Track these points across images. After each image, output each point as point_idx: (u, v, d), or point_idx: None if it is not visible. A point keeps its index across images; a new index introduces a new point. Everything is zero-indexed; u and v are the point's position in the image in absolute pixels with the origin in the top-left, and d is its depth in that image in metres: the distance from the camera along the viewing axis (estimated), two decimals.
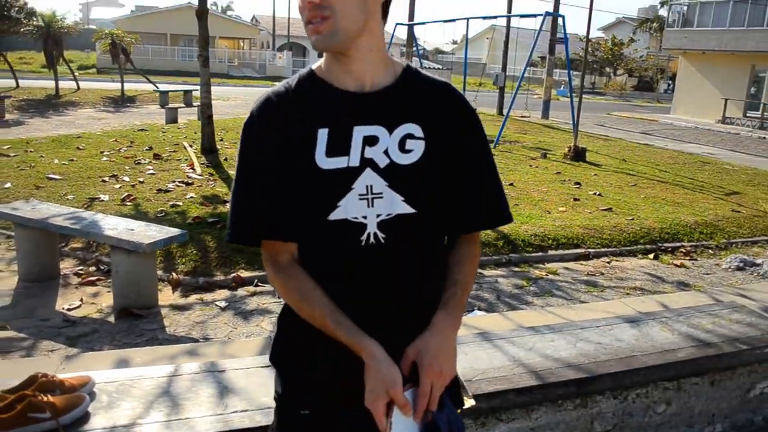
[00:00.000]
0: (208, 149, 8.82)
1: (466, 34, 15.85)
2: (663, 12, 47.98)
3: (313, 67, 1.30)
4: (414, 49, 21.13)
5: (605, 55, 47.32)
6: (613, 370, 2.42)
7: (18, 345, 3.60)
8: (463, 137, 1.31)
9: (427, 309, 1.25)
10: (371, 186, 1.22)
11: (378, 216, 1.22)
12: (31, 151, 8.97)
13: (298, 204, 1.22)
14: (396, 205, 1.22)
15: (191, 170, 7.84)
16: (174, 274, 4.64)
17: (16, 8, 17.71)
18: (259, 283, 4.59)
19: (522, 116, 19.11)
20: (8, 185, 6.78)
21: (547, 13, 13.51)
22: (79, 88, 21.00)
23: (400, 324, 1.24)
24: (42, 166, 7.92)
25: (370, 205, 1.21)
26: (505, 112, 15.37)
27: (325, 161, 1.20)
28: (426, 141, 1.25)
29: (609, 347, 2.59)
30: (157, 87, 21.02)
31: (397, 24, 17.89)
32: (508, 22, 21.46)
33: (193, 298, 4.38)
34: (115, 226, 4.21)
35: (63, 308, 4.14)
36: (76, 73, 22.50)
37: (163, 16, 44.89)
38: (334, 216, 1.20)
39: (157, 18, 44.49)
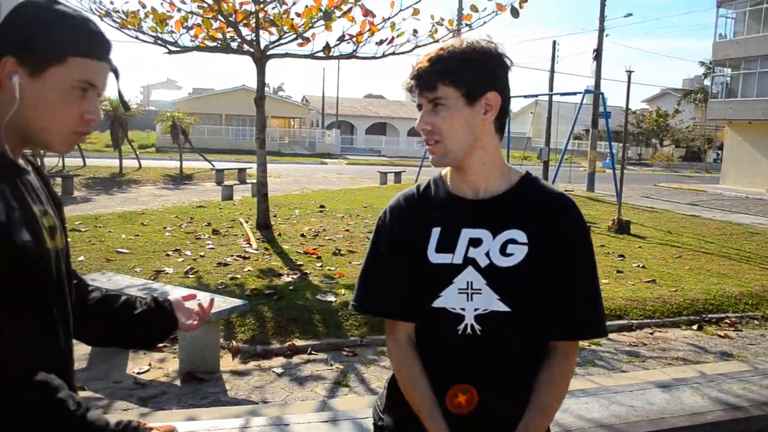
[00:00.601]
0: (263, 225, 9.30)
1: (509, 110, 16.32)
2: (707, 82, 48.12)
3: (443, 173, 1.52)
4: None
5: (650, 127, 47.40)
6: (643, 431, 2.61)
7: (95, 404, 3.95)
8: (569, 249, 1.41)
9: (516, 401, 1.40)
10: (471, 282, 1.38)
11: (475, 310, 1.38)
12: (99, 227, 9.62)
13: (412, 289, 1.43)
14: (492, 302, 1.37)
15: (248, 245, 8.30)
16: (234, 341, 4.97)
17: None
18: (313, 352, 4.88)
19: (566, 189, 19.29)
20: (81, 258, 7.33)
21: (587, 91, 13.93)
22: (140, 166, 22.22)
23: (489, 412, 1.39)
24: (110, 240, 8.50)
25: (468, 299, 1.38)
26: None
27: (434, 256, 1.41)
28: (529, 247, 1.38)
29: (640, 410, 2.78)
30: (213, 165, 22.06)
31: None
32: (551, 98, 21.99)
33: (251, 364, 4.69)
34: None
35: (133, 372, 4.50)
36: (138, 152, 23.83)
37: (218, 98, 47.23)
38: (436, 304, 1.39)
39: (213, 99, 46.81)
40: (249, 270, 6.80)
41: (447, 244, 1.41)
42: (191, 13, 8.47)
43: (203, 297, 4.49)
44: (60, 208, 1.32)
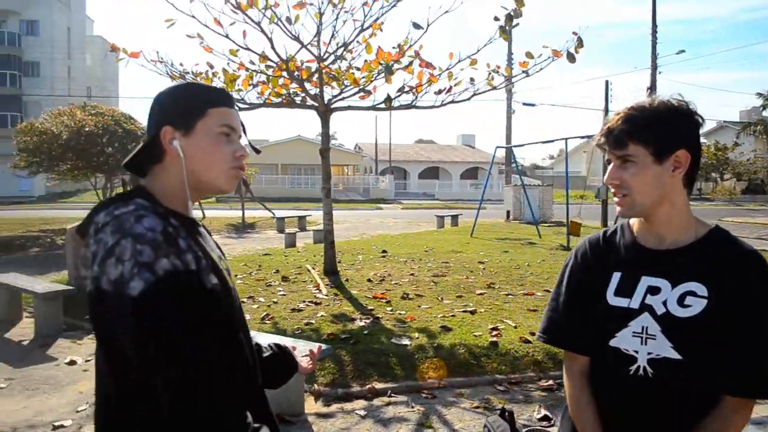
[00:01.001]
0: (330, 271, 9.55)
1: (566, 151, 16.37)
2: (766, 114, 46.92)
3: (630, 221, 1.61)
4: (513, 166, 21.86)
5: (710, 161, 46.35)
6: None
7: None
8: (755, 306, 1.40)
9: None
10: (646, 327, 1.46)
11: (648, 354, 1.45)
12: None
13: (590, 327, 1.55)
14: (665, 349, 1.44)
15: (317, 291, 8.54)
16: (315, 385, 5.15)
17: None
18: (392, 394, 5.01)
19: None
20: None
21: None
22: (204, 216, 23.00)
23: None
24: None
25: (642, 343, 1.46)
26: (609, 224, 15.52)
27: (612, 298, 1.51)
28: (709, 300, 1.42)
29: None
30: (274, 214, 22.67)
31: (497, 147, 18.73)
32: None
33: (334, 407, 4.84)
34: (267, 342, 4.81)
35: None
36: (201, 203, 24.71)
37: (275, 149, 48.55)
38: (612, 343, 1.50)
39: (270, 150, 48.13)
40: (322, 315, 7.01)
41: (626, 289, 1.50)
42: (258, 71, 8.96)
43: (287, 342, 4.68)
44: (223, 253, 1.57)
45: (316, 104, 9.26)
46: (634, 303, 1.48)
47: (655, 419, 1.45)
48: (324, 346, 4.80)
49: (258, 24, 8.17)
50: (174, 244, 1.25)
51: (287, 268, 10.70)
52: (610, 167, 1.51)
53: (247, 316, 6.95)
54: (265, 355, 1.76)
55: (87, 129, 17.57)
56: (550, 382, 5.19)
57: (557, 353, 5.63)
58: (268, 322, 6.83)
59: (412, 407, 4.75)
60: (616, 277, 1.53)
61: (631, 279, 1.50)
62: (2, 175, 40.80)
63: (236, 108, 1.47)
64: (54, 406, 4.96)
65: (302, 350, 4.60)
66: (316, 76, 9.03)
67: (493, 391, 5.06)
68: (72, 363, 6.11)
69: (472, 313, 7.03)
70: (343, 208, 34.68)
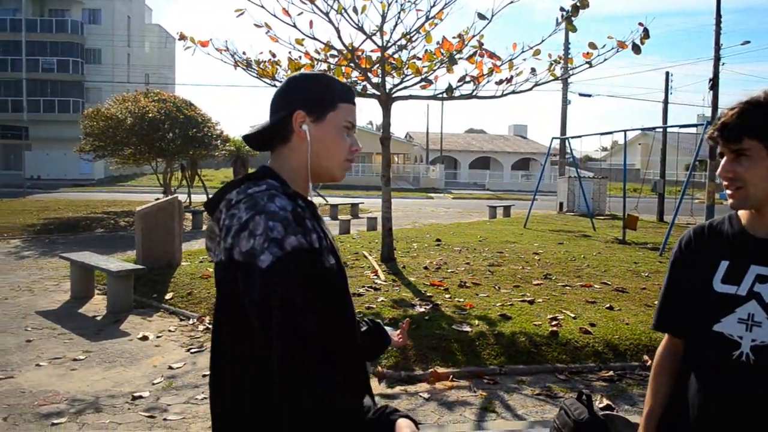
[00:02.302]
0: (388, 258, 9.71)
1: (625, 143, 16.12)
2: None
3: (740, 212, 1.63)
4: (568, 157, 21.62)
5: None
6: None
7: None
8: None
9: None
10: (752, 314, 1.49)
11: (753, 341, 1.47)
12: None
13: (693, 311, 1.61)
14: None
15: (375, 276, 8.70)
16: (379, 367, 5.31)
17: (215, 136, 20.52)
18: (455, 379, 5.13)
19: (687, 222, 18.66)
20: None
21: (707, 123, 13.56)
22: (327, 203, 23.44)
23: None
24: None
25: (747, 330, 1.48)
26: (667, 218, 15.25)
27: (719, 286, 1.55)
28: None
29: None
30: (327, 201, 22.95)
31: (553, 138, 18.56)
32: (665, 130, 21.44)
33: (397, 389, 5.00)
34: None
35: None
36: None
37: None
38: (716, 328, 1.53)
39: None
40: (382, 300, 7.16)
41: (734, 277, 1.54)
42: (323, 60, 9.13)
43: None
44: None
45: (378, 93, 9.38)
46: (742, 290, 1.51)
47: (754, 405, 1.47)
48: (390, 329, 4.96)
49: (326, 14, 8.33)
50: (302, 224, 1.34)
51: (344, 254, 10.89)
52: (723, 161, 1.56)
53: None
54: (362, 329, 1.85)
55: (150, 115, 18.12)
56: (611, 372, 5.23)
57: (618, 344, 5.66)
58: None
59: (475, 392, 4.87)
60: (724, 265, 1.56)
61: (739, 267, 1.54)
62: (65, 158, 42.41)
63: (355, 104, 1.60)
64: (131, 378, 5.25)
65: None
66: (379, 65, 9.15)
67: (554, 379, 5.13)
68: (144, 338, 6.42)
69: (531, 302, 7.09)
70: (394, 196, 34.59)
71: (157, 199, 19.63)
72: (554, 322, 6.16)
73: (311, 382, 1.27)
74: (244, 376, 1.39)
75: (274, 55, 9.37)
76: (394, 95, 9.47)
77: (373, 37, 8.79)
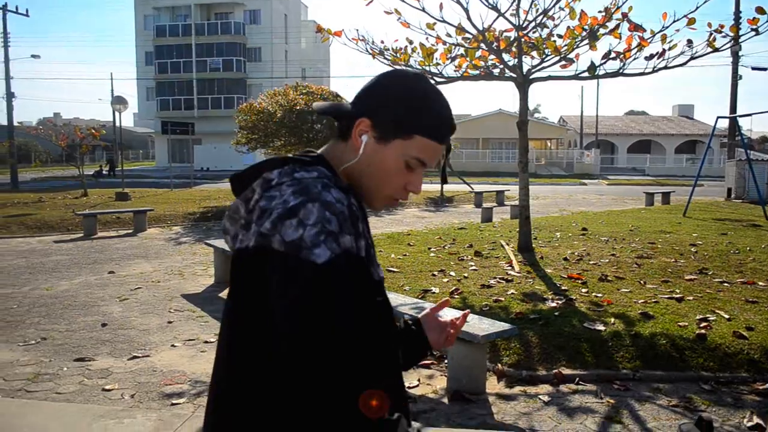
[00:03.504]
0: (525, 248, 9.28)
1: None
2: None
3: None
4: (738, 138, 19.56)
5: None
6: None
7: None
8: None
9: None
10: None
11: None
12: None
13: None
14: None
15: (510, 267, 8.33)
16: (499, 365, 5.01)
17: None
18: (581, 382, 4.71)
19: None
20: None
21: None
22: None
23: None
24: (381, 259, 9.14)
25: None
26: None
27: None
28: None
29: None
30: (472, 188, 22.64)
31: (718, 117, 16.84)
32: None
33: (516, 389, 4.67)
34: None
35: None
36: None
37: (476, 123, 48.45)
38: None
39: (471, 124, 48.09)
40: (512, 293, 6.81)
41: None
42: (456, 45, 8.85)
43: (473, 319, 4.57)
44: None
45: (515, 75, 8.95)
46: None
47: None
48: (508, 327, 4.65)
49: None
50: (355, 225, 1.15)
51: (481, 243, 10.58)
52: None
53: (437, 290, 7.00)
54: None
55: (298, 107, 18.78)
56: (767, 385, 4.54)
57: None
58: (456, 296, 6.79)
59: (601, 398, 4.43)
60: None
61: None
62: (230, 151, 45.44)
63: (447, 142, 1.30)
64: None
65: (486, 328, 4.49)
66: (515, 45, 8.71)
67: (696, 389, 4.54)
68: None
69: (679, 300, 6.38)
70: (544, 183, 33.68)
71: None
72: (703, 324, 5.48)
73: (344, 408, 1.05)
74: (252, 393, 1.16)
75: (410, 42, 9.23)
76: (531, 77, 8.98)
77: (508, 16, 8.36)
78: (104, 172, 40.69)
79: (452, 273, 8.03)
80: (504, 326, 4.60)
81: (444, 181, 1.53)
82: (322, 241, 1.06)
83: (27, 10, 31.91)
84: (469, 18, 8.29)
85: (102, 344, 5.89)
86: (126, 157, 64.92)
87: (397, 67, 9.13)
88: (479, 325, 4.56)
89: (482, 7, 8.22)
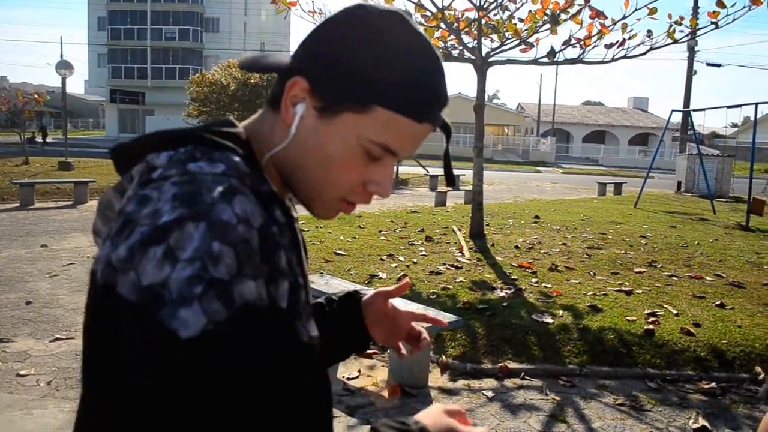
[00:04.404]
0: (477, 234, 9.13)
1: (755, 118, 14.44)
2: None
3: None
4: (690, 133, 19.85)
5: None
6: None
7: None
8: None
9: None
10: None
11: None
12: (321, 227, 10.12)
13: None
14: None
15: (460, 254, 8.17)
16: (444, 357, 4.82)
17: None
18: (526, 377, 4.55)
19: None
20: None
21: None
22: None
23: None
24: (330, 241, 8.88)
25: None
26: None
27: None
28: None
29: None
30: (428, 171, 22.47)
31: (672, 111, 17.00)
32: None
33: (460, 383, 4.49)
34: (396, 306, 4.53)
35: (343, 377, 4.53)
36: None
37: None
38: None
39: None
40: (461, 281, 6.63)
41: None
42: (422, 24, 8.57)
43: (417, 309, 4.35)
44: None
45: (473, 57, 8.73)
46: None
47: None
48: (454, 319, 4.45)
49: None
50: (270, 258, 0.74)
51: (432, 228, 10.41)
52: None
53: (384, 275, 6.78)
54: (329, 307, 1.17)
55: (253, 81, 18.27)
56: (713, 384, 4.45)
57: (725, 350, 4.85)
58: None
59: (546, 395, 4.27)
60: None
61: None
62: (182, 123, 44.39)
63: (436, 121, 0.87)
64: None
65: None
66: (475, 27, 8.48)
67: (642, 387, 4.43)
68: None
69: (628, 293, 6.31)
70: (500, 169, 33.81)
71: None
72: (651, 319, 5.39)
73: None
74: None
75: None
76: (490, 59, 8.78)
77: None
78: (37, 140, 38.76)
79: (401, 258, 7.82)
80: (449, 317, 4.39)
81: (450, 182, 1.00)
82: (195, 297, 0.65)
83: None
84: None
85: (24, 324, 5.48)
86: (75, 125, 62.82)
87: None
88: None
89: None
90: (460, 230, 9.95)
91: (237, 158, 0.78)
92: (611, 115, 56.42)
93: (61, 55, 65.43)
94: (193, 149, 0.77)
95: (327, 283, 5.28)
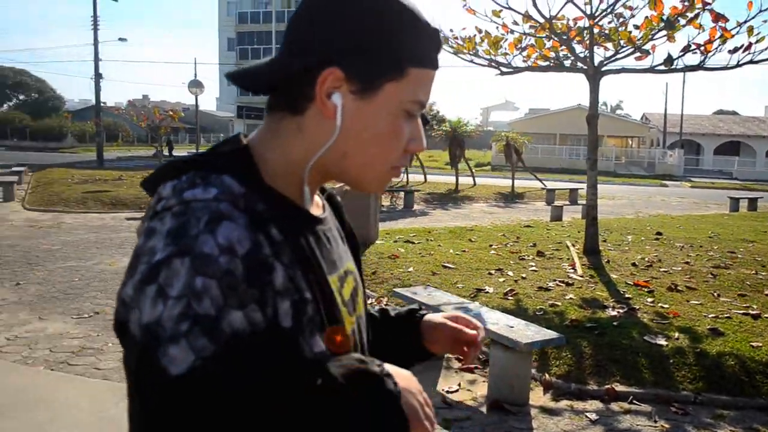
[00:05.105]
0: (591, 250, 8.80)
1: None
2: None
3: None
4: None
5: None
6: None
7: None
8: None
9: None
10: None
11: None
12: (431, 240, 10.15)
13: None
14: None
15: (572, 270, 7.90)
16: (547, 375, 4.68)
17: (431, 116, 20.60)
18: (635, 401, 4.32)
19: None
20: (411, 269, 7.78)
21: None
22: (475, 183, 23.19)
23: None
24: (439, 254, 8.88)
25: None
26: None
27: None
28: None
29: None
30: (545, 185, 21.98)
31: None
32: None
33: (563, 403, 4.34)
34: (497, 321, 4.47)
35: (443, 390, 4.51)
36: (474, 170, 24.97)
37: (553, 118, 47.17)
38: None
39: (548, 119, 46.90)
40: (570, 298, 6.42)
41: None
42: (525, 34, 8.44)
43: (519, 324, 4.24)
44: (356, 244, 1.08)
45: (585, 67, 8.47)
46: None
47: None
48: (555, 336, 4.32)
49: None
50: (261, 281, 0.75)
51: (545, 243, 10.14)
52: None
53: (491, 290, 6.69)
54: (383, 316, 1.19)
55: None
56: None
57: None
58: (510, 298, 6.46)
59: (655, 421, 4.04)
60: None
61: None
62: None
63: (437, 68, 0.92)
64: None
65: (531, 335, 4.16)
66: (586, 35, 8.23)
67: (765, 419, 4.08)
68: None
69: (755, 317, 5.83)
70: (623, 182, 32.39)
71: None
72: None
73: None
74: None
75: (480, 31, 8.88)
76: (603, 69, 8.47)
77: (579, 3, 7.88)
78: (164, 153, 41.46)
79: (510, 273, 7.68)
80: (551, 334, 4.28)
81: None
82: (182, 334, 0.68)
83: None
84: (535, 5, 7.87)
85: None
86: (207, 139, 66.89)
87: (461, 56, 8.83)
88: (524, 332, 4.25)
89: None
90: (573, 246, 9.63)
91: (231, 179, 0.80)
92: (746, 124, 52.50)
93: (195, 74, 70.06)
94: (194, 176, 0.80)
95: (430, 296, 5.29)
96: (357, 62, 0.83)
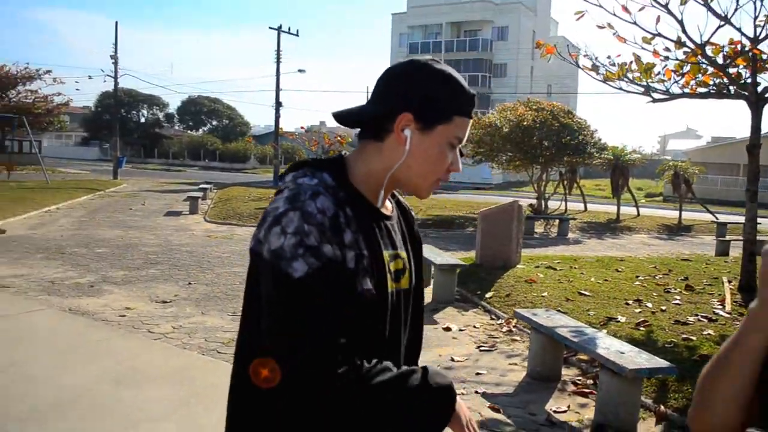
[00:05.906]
0: (746, 288, 8.24)
1: None
2: None
3: None
4: None
5: None
6: None
7: (503, 430, 4.18)
8: None
9: None
10: None
11: None
12: (575, 268, 10.01)
13: None
14: None
15: (720, 306, 7.48)
16: (662, 406, 4.58)
17: (592, 143, 20.07)
18: None
19: None
20: (545, 294, 7.80)
21: None
22: (638, 214, 22.12)
23: None
24: (579, 281, 8.77)
25: None
26: None
27: None
28: None
29: None
30: (716, 217, 20.45)
31: None
32: None
33: None
34: (608, 347, 4.47)
35: (551, 409, 4.58)
36: (643, 200, 23.85)
37: (736, 147, 43.35)
38: None
39: (731, 149, 43.24)
40: (708, 334, 6.12)
41: None
42: (682, 61, 8.16)
43: (631, 350, 4.19)
44: (418, 247, 1.47)
45: (746, 93, 8.02)
46: None
47: None
48: (665, 366, 4.24)
49: (665, 6, 7.48)
50: (338, 235, 1.17)
51: (699, 277, 9.61)
52: None
53: (622, 319, 6.58)
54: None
55: (525, 123, 18.64)
56: None
57: None
58: (642, 329, 6.31)
59: None
60: None
61: None
62: (466, 162, 46.42)
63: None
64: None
65: (641, 362, 4.14)
66: (749, 60, 7.80)
67: None
68: (447, 329, 6.72)
69: None
70: None
71: (530, 205, 20.17)
72: None
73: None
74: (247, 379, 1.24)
75: (638, 58, 8.72)
76: (767, 95, 7.97)
77: (737, 25, 7.52)
78: None
79: (649, 304, 7.44)
80: (661, 363, 4.21)
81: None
82: (300, 255, 1.11)
83: (297, 31, 35.94)
84: (684, 30, 7.62)
85: None
86: None
87: (609, 83, 8.72)
88: (634, 358, 4.23)
89: (699, 18, 7.47)
90: (729, 282, 9.04)
91: (327, 176, 1.25)
92: None
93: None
94: (306, 171, 1.26)
95: (549, 318, 5.37)
96: (422, 110, 1.26)
